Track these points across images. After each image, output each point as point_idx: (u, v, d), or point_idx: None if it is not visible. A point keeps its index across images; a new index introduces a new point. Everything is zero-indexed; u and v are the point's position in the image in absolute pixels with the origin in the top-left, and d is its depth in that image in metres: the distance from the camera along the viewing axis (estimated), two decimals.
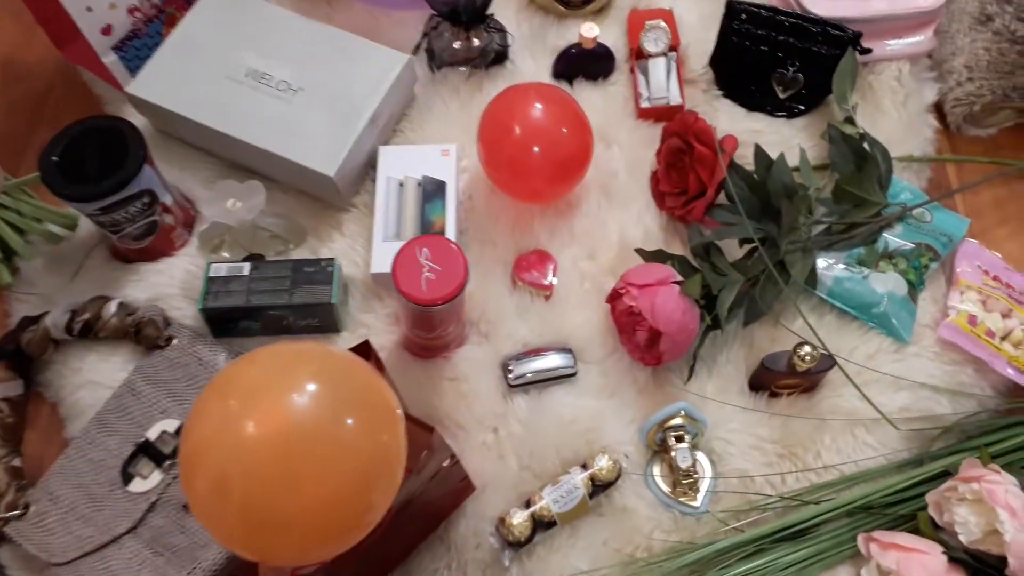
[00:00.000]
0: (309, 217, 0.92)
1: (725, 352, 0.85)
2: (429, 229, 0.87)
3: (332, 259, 0.85)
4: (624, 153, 0.96)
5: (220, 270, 0.84)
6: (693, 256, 0.85)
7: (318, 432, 0.50)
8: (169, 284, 0.89)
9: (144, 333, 0.84)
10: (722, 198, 0.88)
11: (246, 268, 0.85)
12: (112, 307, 0.85)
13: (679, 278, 0.81)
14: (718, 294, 0.81)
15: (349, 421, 0.52)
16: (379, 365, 0.67)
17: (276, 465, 0.49)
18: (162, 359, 0.83)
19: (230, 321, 0.84)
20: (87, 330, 0.84)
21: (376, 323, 0.86)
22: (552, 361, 0.83)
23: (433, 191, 0.88)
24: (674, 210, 0.91)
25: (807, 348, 0.77)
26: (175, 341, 0.84)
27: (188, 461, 0.50)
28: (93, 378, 0.84)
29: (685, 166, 0.89)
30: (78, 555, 0.74)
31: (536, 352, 0.84)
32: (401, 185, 0.89)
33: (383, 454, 0.53)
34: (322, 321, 0.85)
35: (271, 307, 0.83)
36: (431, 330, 0.77)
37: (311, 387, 0.52)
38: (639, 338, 0.81)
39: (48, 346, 0.85)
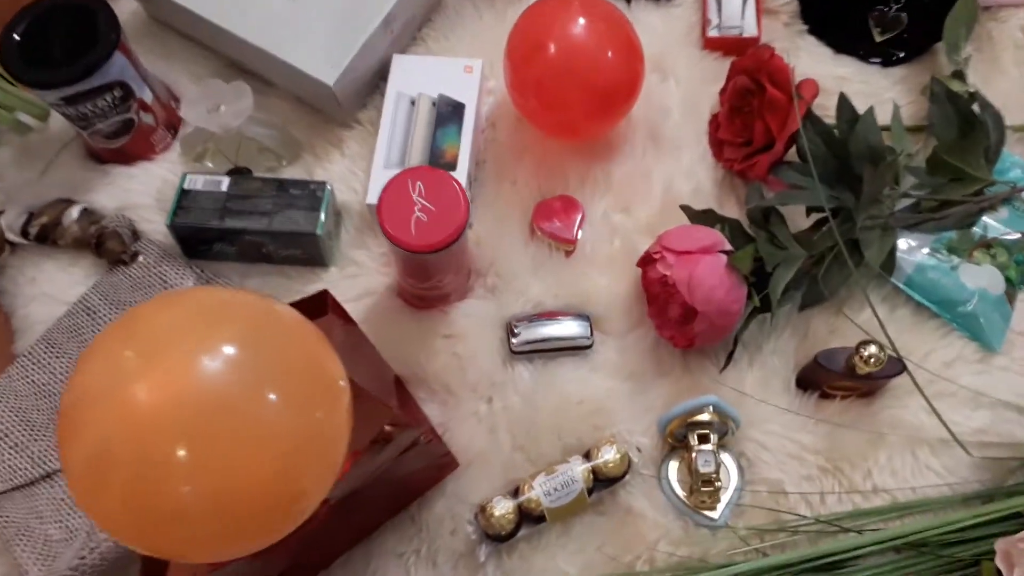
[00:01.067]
0: (307, 131, 0.80)
1: (773, 340, 0.71)
2: (439, 159, 0.74)
3: (323, 183, 0.73)
4: (681, 89, 0.81)
5: (195, 182, 0.73)
6: (749, 221, 0.71)
7: (229, 407, 0.40)
8: (143, 192, 0.78)
9: (107, 246, 0.74)
10: (793, 155, 0.73)
11: (225, 183, 0.73)
12: (74, 212, 0.75)
13: (728, 247, 0.68)
14: (773, 271, 0.67)
15: (272, 396, 0.41)
16: (343, 317, 0.55)
17: (171, 442, 0.38)
18: (124, 277, 0.74)
19: (203, 242, 0.74)
20: (44, 235, 0.75)
21: (368, 262, 0.75)
22: (565, 328, 0.71)
23: (449, 114, 0.75)
24: (733, 163, 0.76)
25: (873, 348, 0.63)
26: (141, 258, 0.74)
27: (66, 417, 0.40)
28: (48, 290, 0.75)
29: (752, 111, 0.74)
30: (5, 488, 0.66)
31: (548, 315, 0.72)
32: (413, 103, 0.76)
33: (316, 435, 0.43)
34: (306, 253, 0.74)
35: (248, 231, 0.72)
36: (424, 279, 0.66)
37: (229, 350, 0.40)
38: (671, 313, 0.69)
39: (3, 247, 0.76)
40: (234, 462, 0.40)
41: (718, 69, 0.80)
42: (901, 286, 0.73)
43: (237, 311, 0.43)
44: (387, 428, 0.53)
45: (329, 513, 0.54)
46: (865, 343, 0.64)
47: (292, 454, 0.42)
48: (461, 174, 0.73)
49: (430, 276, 0.65)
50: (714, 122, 0.79)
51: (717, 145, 0.79)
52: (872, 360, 0.63)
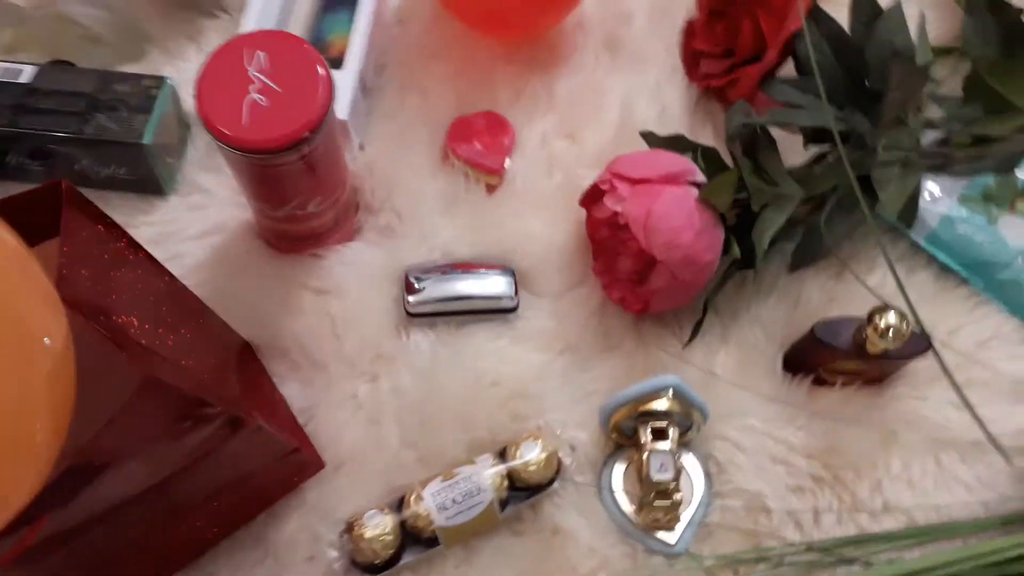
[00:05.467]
0: (155, 18, 0.61)
1: (755, 306, 0.54)
2: (323, 54, 0.55)
3: (162, 78, 0.54)
4: None
5: None
6: (728, 146, 0.53)
7: None
8: None
9: None
10: (788, 71, 0.56)
11: (27, 73, 0.54)
12: None
13: (700, 178, 0.50)
14: (759, 212, 0.50)
15: None
16: (122, 239, 0.36)
17: None
18: None
19: None
20: None
21: (221, 189, 0.56)
22: (483, 285, 0.53)
23: None
24: (711, 80, 0.59)
25: (892, 317, 0.47)
26: None
27: None
28: None
29: (739, 14, 0.57)
30: None
31: (461, 267, 0.54)
32: None
33: None
34: (134, 174, 0.54)
35: (52, 138, 0.52)
36: (275, 202, 0.47)
37: None
38: (622, 267, 0.51)
39: None
40: None
41: None
42: (921, 243, 0.57)
43: None
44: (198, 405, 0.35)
45: (90, 526, 0.36)
46: (881, 310, 0.47)
47: None
48: (349, 75, 0.54)
49: (284, 198, 0.46)
50: (688, 30, 0.62)
51: (691, 58, 0.61)
52: (891, 333, 0.46)
